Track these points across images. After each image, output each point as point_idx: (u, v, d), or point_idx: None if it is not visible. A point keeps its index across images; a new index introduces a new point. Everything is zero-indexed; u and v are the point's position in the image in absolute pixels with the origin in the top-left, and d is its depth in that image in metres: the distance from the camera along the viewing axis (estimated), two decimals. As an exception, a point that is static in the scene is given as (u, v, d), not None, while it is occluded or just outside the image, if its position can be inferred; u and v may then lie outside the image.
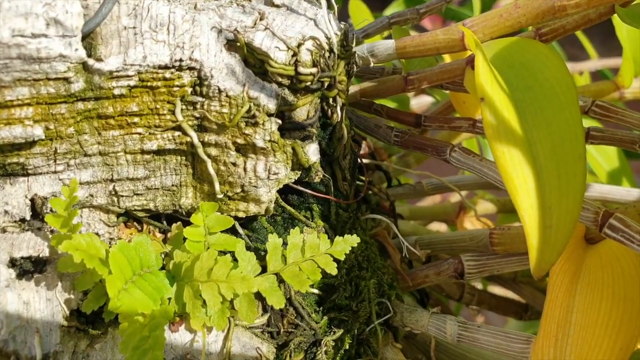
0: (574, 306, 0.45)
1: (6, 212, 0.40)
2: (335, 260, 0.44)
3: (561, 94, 0.42)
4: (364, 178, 0.63)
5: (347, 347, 0.52)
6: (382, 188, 0.61)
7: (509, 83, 0.43)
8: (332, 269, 0.43)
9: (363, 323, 0.52)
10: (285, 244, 0.44)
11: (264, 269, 0.43)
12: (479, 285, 1.06)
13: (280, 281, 0.46)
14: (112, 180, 0.42)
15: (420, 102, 0.94)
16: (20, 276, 0.40)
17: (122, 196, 0.43)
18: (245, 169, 0.43)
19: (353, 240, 0.44)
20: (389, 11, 1.19)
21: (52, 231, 0.41)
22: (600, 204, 0.43)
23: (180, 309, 0.41)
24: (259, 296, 0.45)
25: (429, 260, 0.66)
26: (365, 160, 0.68)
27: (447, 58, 0.71)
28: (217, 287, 0.40)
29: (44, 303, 0.40)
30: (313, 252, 0.43)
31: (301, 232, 0.46)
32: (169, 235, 0.45)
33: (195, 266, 0.41)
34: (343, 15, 0.96)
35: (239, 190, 0.44)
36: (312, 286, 0.49)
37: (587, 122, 0.58)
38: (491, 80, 0.40)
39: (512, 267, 0.57)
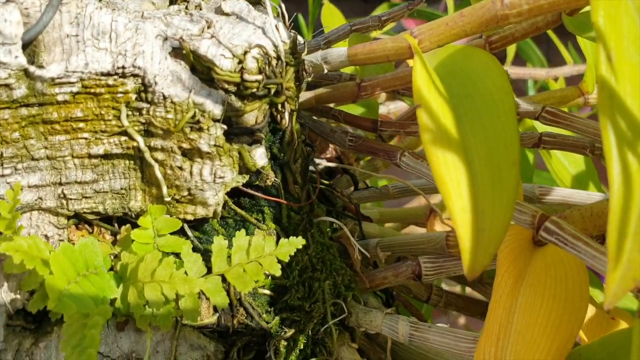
0: (516, 307, 0.46)
1: (-45, 213, 0.41)
2: (281, 262, 0.45)
3: (499, 102, 0.43)
4: (325, 182, 0.64)
5: (302, 347, 0.53)
6: (343, 191, 0.62)
7: (450, 90, 0.44)
8: (276, 271, 0.44)
9: (317, 323, 0.53)
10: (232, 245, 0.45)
11: (210, 270, 0.45)
12: (458, 288, 1.07)
13: (229, 282, 0.47)
14: (60, 184, 0.43)
15: (397, 107, 0.95)
16: (-33, 278, 0.41)
17: (71, 199, 0.44)
18: (191, 173, 0.44)
19: (298, 242, 0.45)
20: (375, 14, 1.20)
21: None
22: (536, 208, 0.44)
23: (126, 309, 0.42)
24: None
25: (398, 260, 0.67)
26: (331, 164, 0.70)
27: (410, 63, 0.72)
28: (160, 287, 0.41)
29: (-11, 303, 0.41)
30: (258, 254, 0.44)
31: (249, 234, 0.47)
32: (118, 237, 0.46)
33: (139, 267, 0.42)
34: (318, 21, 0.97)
35: (185, 193, 0.45)
36: (263, 287, 0.50)
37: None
38: (429, 86, 0.41)
39: (468, 269, 0.57)
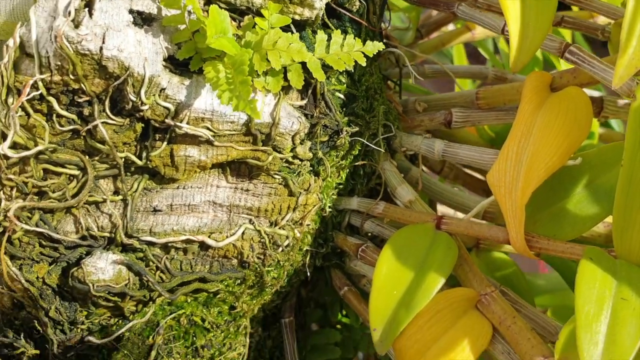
0: (535, 121, 0.59)
1: (128, -24, 0.54)
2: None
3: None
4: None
5: (357, 152, 0.67)
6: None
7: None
8: (362, 61, 0.57)
9: (371, 135, 0.67)
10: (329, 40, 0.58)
11: (310, 58, 0.58)
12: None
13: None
14: (206, -28, 0.56)
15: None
16: (133, 24, 0.53)
17: (212, -14, 0.57)
18: (306, -23, 0.57)
19: (379, 45, 0.59)
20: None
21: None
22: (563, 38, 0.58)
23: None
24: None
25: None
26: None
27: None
28: (279, 53, 0.54)
29: (150, 44, 0.53)
30: (349, 48, 0.58)
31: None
32: (241, 24, 0.58)
33: (264, 39, 0.55)
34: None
35: (299, -6, 0.58)
36: (339, 92, 0.63)
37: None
38: None
39: (491, 120, 0.71)
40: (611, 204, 0.57)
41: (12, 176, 0.53)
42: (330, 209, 0.66)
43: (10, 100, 0.53)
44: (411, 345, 0.57)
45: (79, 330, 0.61)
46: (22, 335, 0.62)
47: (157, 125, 0.54)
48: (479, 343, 0.57)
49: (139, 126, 0.54)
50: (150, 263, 0.58)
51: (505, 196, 0.57)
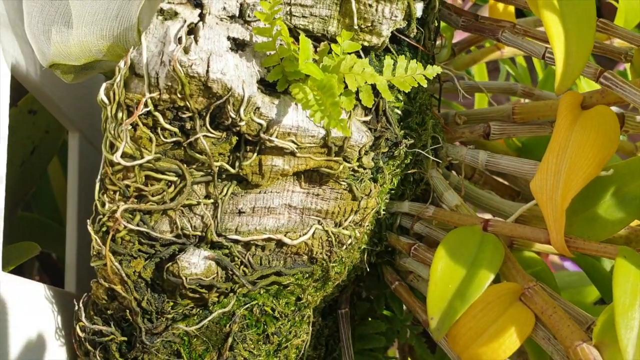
0: (572, 135, 0.68)
1: (224, 8, 0.61)
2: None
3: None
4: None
5: (408, 161, 0.75)
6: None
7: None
8: (424, 83, 0.65)
9: (421, 146, 0.75)
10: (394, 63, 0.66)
11: (377, 79, 0.66)
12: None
13: (381, 98, 0.68)
14: (289, 4, 0.64)
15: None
16: (230, 50, 0.61)
17: (294, 16, 0.64)
18: (376, 10, 0.65)
19: (438, 69, 0.67)
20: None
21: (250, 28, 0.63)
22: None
23: (326, 91, 0.63)
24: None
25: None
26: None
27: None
28: (355, 77, 0.62)
29: (245, 68, 0.61)
30: (412, 72, 0.66)
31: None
32: (318, 49, 0.66)
33: (341, 64, 0.63)
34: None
35: (369, 24, 0.66)
36: (397, 108, 0.71)
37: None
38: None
39: (525, 132, 0.80)
40: (636, 209, 0.66)
41: (126, 181, 0.61)
42: (384, 212, 0.75)
43: (119, 114, 0.61)
44: (465, 332, 0.65)
45: (164, 319, 0.68)
46: (111, 324, 0.70)
47: (249, 138, 0.62)
48: (524, 330, 0.65)
49: (234, 139, 0.62)
50: (235, 258, 0.66)
51: (547, 202, 0.65)
